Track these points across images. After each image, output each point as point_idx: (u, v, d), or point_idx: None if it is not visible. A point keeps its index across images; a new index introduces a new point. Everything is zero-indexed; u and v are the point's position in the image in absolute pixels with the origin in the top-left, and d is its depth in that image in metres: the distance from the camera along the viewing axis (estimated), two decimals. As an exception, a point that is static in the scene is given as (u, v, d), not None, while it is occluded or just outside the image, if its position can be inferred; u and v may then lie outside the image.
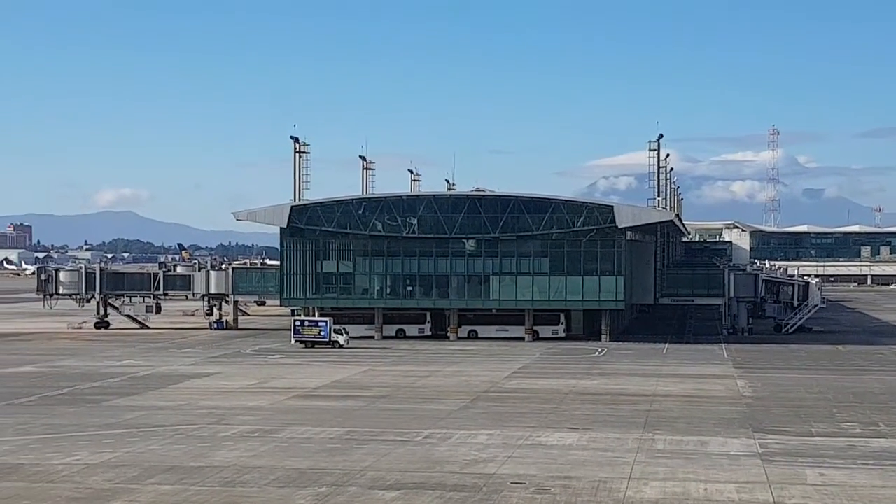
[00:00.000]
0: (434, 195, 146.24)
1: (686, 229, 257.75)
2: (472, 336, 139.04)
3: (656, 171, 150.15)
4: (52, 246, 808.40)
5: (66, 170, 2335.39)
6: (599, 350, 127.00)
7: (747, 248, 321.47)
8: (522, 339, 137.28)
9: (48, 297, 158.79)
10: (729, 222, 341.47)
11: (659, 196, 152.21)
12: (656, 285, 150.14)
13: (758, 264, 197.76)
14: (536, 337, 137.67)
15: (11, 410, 77.87)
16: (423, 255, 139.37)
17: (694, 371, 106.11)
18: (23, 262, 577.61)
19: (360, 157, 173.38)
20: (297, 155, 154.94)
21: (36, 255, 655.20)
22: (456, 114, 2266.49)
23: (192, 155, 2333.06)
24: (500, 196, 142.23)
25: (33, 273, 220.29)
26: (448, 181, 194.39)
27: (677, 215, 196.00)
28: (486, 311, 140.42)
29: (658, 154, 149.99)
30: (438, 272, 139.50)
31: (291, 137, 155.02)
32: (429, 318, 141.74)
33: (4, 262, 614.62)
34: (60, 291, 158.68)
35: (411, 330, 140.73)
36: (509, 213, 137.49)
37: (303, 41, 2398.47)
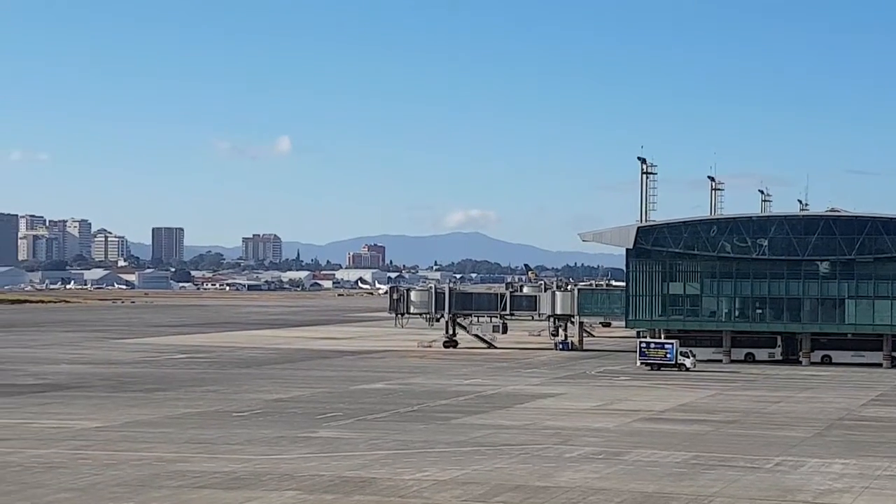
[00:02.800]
0: (786, 216, 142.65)
1: None
2: (826, 361, 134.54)
3: None
4: (404, 266, 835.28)
5: (420, 193, 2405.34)
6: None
7: None
8: (880, 365, 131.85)
9: (400, 315, 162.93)
10: None
11: None
12: None
13: None
14: None
15: (364, 426, 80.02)
16: (774, 278, 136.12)
17: None
18: (376, 282, 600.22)
19: (709, 177, 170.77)
20: (644, 176, 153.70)
21: (388, 274, 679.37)
22: (811, 132, 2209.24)
23: (538, 176, 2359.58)
24: (856, 217, 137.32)
25: (386, 292, 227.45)
26: (801, 202, 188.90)
27: None
28: (840, 335, 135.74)
29: None
30: (790, 294, 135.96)
31: (639, 158, 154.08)
32: (779, 342, 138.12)
33: (359, 282, 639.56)
34: (411, 311, 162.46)
35: (761, 354, 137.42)
36: (866, 235, 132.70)
37: (654, 62, 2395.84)
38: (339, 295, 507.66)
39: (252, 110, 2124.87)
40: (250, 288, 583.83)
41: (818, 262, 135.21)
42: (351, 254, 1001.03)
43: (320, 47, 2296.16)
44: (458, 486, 57.35)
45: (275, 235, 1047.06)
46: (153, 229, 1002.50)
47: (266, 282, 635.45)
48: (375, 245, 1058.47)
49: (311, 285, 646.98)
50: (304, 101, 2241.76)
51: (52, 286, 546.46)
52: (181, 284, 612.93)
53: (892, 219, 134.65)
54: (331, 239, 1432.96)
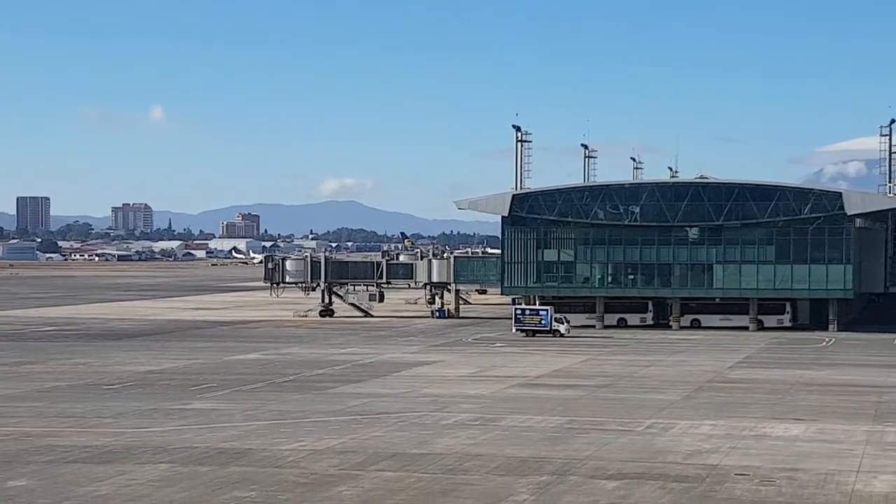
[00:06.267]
0: (656, 183, 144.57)
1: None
2: (695, 325, 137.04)
3: (888, 156, 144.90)
4: (279, 235, 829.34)
5: (294, 161, 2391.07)
6: (826, 340, 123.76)
7: None
8: (746, 328, 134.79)
9: (275, 285, 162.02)
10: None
11: (890, 182, 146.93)
12: (887, 274, 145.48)
13: None
14: (761, 326, 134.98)
15: (240, 396, 79.67)
16: (645, 244, 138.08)
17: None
18: (251, 251, 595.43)
19: (583, 145, 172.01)
20: (519, 144, 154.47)
21: (263, 244, 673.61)
22: (681, 101, 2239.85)
23: (414, 144, 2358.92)
24: (723, 183, 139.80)
25: (261, 262, 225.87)
26: (671, 169, 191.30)
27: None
28: (709, 299, 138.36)
29: (889, 139, 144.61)
30: (660, 260, 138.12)
31: (513, 126, 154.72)
32: (650, 307, 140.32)
33: (233, 251, 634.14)
34: (286, 280, 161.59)
35: (633, 319, 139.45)
36: (734, 201, 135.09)
37: (529, 31, 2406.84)
38: (213, 265, 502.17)
39: (123, 78, 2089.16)
40: (120, 258, 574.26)
41: (687, 228, 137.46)
42: (224, 223, 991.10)
43: (194, 12, 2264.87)
44: (334, 455, 57.45)
45: (146, 205, 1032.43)
46: (17, 198, 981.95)
47: (137, 252, 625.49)
48: (249, 214, 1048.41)
49: (184, 255, 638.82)
50: (177, 69, 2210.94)
51: None
52: (48, 255, 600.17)
53: (758, 185, 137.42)
54: (204, 208, 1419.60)
